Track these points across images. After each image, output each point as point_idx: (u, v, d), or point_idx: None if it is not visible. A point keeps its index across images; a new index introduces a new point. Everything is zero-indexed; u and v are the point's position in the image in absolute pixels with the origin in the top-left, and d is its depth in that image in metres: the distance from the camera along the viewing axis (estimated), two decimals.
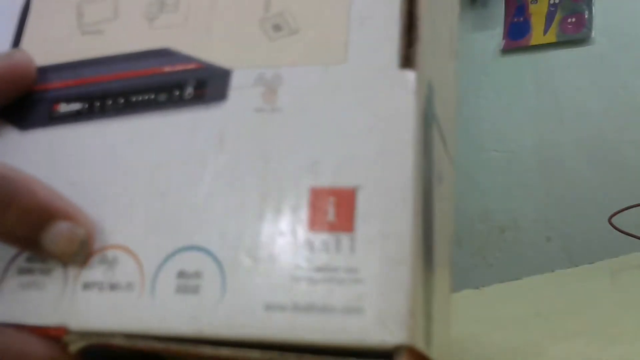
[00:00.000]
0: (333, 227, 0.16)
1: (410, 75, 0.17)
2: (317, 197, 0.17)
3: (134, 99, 0.19)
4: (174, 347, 0.16)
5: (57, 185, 0.18)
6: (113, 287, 0.17)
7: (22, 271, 0.18)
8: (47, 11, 0.21)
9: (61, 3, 0.21)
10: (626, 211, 0.57)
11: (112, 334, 0.16)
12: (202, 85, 0.19)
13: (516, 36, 1.71)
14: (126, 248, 0.17)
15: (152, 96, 0.19)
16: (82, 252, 0.18)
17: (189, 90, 0.19)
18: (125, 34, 0.20)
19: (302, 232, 0.16)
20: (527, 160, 1.72)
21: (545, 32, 1.65)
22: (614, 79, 1.55)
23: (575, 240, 1.64)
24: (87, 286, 0.17)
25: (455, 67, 0.20)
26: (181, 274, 0.17)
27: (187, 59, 0.19)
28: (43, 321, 0.17)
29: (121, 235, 0.18)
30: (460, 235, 1.87)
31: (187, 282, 0.16)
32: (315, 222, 0.16)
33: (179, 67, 0.19)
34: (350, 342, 0.15)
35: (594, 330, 0.30)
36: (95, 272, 0.17)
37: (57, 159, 0.19)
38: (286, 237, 0.16)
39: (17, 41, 0.21)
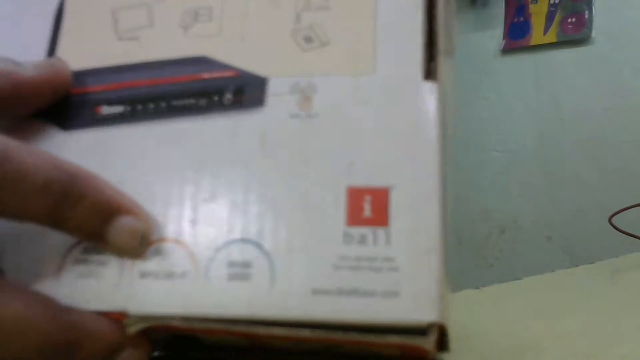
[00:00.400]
0: (370, 222, 0.18)
1: (433, 87, 0.19)
2: (354, 195, 0.19)
3: (175, 103, 0.20)
4: (231, 327, 0.18)
5: (107, 180, 0.19)
6: (168, 275, 0.19)
7: (79, 262, 0.19)
8: (81, 16, 0.22)
9: (96, 8, 0.22)
10: (626, 211, 0.57)
11: (171, 317, 0.18)
12: (240, 91, 0.20)
13: (516, 36, 1.71)
14: (178, 241, 0.19)
15: (193, 101, 0.20)
16: (142, 245, 0.19)
17: (228, 96, 0.20)
18: (161, 41, 0.21)
19: (341, 226, 0.18)
20: (528, 160, 1.72)
21: (545, 32, 1.65)
22: (614, 78, 1.55)
23: (575, 240, 1.64)
24: (143, 275, 0.19)
25: (452, 63, 0.21)
26: (232, 264, 0.18)
27: (224, 66, 0.21)
28: (103, 306, 0.18)
29: (172, 229, 0.19)
30: (460, 235, 1.87)
31: (238, 271, 0.18)
32: (354, 218, 0.19)
33: (217, 74, 0.20)
34: (390, 321, 0.17)
35: (594, 330, 0.30)
36: (150, 263, 0.19)
37: (104, 158, 0.20)
38: (328, 230, 0.18)
39: (53, 45, 0.22)
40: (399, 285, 0.18)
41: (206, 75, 0.21)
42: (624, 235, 0.54)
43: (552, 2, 1.64)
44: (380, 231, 0.18)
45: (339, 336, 0.17)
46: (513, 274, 0.42)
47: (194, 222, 0.19)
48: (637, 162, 1.53)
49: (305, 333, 0.17)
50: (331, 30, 0.21)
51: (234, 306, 0.18)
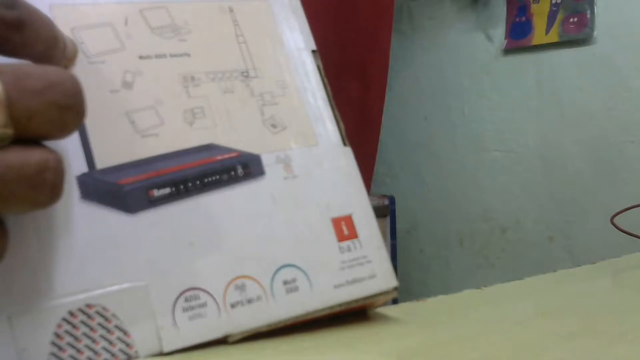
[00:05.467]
0: (349, 237, 0.29)
1: (348, 149, 0.31)
2: (336, 222, 0.29)
3: (206, 180, 0.27)
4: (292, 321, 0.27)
5: (181, 246, 0.26)
6: (250, 301, 0.26)
7: (186, 309, 0.25)
8: (100, 121, 0.26)
9: (109, 114, 0.27)
10: (628, 211, 0.57)
11: (260, 328, 0.26)
12: (247, 166, 0.28)
13: (518, 36, 1.71)
14: (247, 276, 0.27)
15: (218, 177, 0.27)
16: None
17: (240, 171, 0.28)
18: (175, 135, 0.27)
19: (336, 243, 0.29)
20: (529, 160, 1.72)
21: (547, 31, 1.65)
22: (616, 78, 1.55)
23: (577, 240, 1.64)
24: (233, 305, 0.26)
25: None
26: (285, 282, 0.27)
27: (228, 149, 0.28)
28: (213, 335, 0.25)
29: (241, 268, 0.26)
30: (462, 235, 1.88)
31: (290, 286, 0.27)
32: (340, 236, 0.29)
33: (226, 156, 0.28)
34: (376, 291, 0.29)
35: (596, 330, 0.29)
36: (235, 296, 0.26)
37: (172, 228, 0.26)
38: (330, 248, 0.29)
39: (87, 147, 0.26)
40: (374, 271, 0.29)
41: (219, 157, 0.28)
42: (625, 235, 0.54)
43: (553, 1, 1.64)
44: (356, 241, 0.29)
45: (344, 306, 0.28)
46: (515, 274, 0.42)
47: (253, 259, 0.27)
48: (639, 162, 1.53)
49: (336, 307, 0.28)
50: (284, 119, 0.30)
51: (294, 309, 0.27)
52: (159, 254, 0.25)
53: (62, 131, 0.21)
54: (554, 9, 1.64)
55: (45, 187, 0.20)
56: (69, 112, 0.21)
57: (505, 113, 1.76)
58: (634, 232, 0.54)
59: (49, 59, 0.23)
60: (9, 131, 0.19)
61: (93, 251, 0.24)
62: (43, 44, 0.22)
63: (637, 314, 0.33)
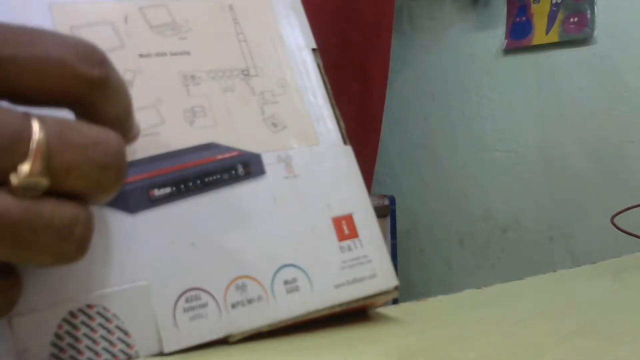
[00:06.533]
0: (349, 237, 0.29)
1: (348, 148, 0.31)
2: (337, 222, 0.29)
3: (206, 179, 0.27)
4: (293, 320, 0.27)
5: (181, 245, 0.25)
6: (250, 301, 0.26)
7: (186, 310, 0.25)
8: None
9: None
10: (629, 211, 0.57)
11: (260, 328, 0.26)
12: (247, 165, 0.28)
13: (518, 36, 1.71)
14: (248, 276, 0.26)
15: (219, 176, 0.27)
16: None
17: (241, 170, 0.28)
18: (176, 134, 0.27)
19: (337, 243, 0.29)
20: (530, 160, 1.72)
21: (547, 31, 1.65)
22: (616, 78, 1.55)
23: (577, 240, 1.64)
24: (234, 306, 0.26)
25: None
26: (286, 282, 0.27)
27: (229, 148, 0.28)
28: (214, 335, 0.25)
29: (241, 268, 0.26)
30: (462, 235, 1.87)
31: (291, 286, 0.27)
32: (341, 236, 0.29)
33: (227, 155, 0.27)
34: (376, 290, 0.29)
35: (596, 330, 0.29)
36: (235, 296, 0.26)
37: (173, 228, 0.25)
38: (330, 247, 0.28)
39: None
40: (375, 270, 0.29)
41: (219, 157, 0.27)
42: (626, 235, 0.54)
43: (554, 1, 1.64)
44: (357, 241, 0.29)
45: (353, 304, 0.28)
46: (515, 274, 0.42)
47: (254, 259, 0.27)
48: (639, 161, 1.53)
49: (336, 307, 0.28)
50: (285, 118, 0.30)
51: (295, 309, 0.27)
52: (160, 254, 0.25)
53: (99, 191, 0.20)
54: (554, 9, 1.64)
55: (72, 241, 0.20)
56: (108, 172, 0.20)
57: (506, 113, 1.75)
58: (634, 232, 0.54)
59: (118, 128, 0.22)
60: (45, 181, 0.19)
61: (93, 251, 0.24)
62: (117, 112, 0.22)
63: (637, 314, 0.33)
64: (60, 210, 0.19)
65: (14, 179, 0.18)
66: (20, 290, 0.21)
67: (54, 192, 0.19)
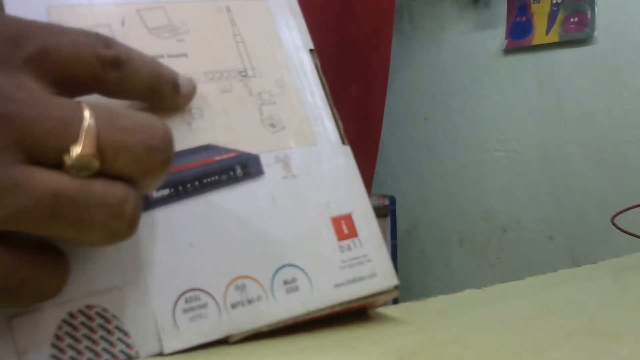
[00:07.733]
0: (349, 236, 0.29)
1: (347, 148, 0.31)
2: (336, 222, 0.29)
3: (205, 180, 0.27)
4: (293, 320, 0.27)
5: (181, 246, 0.25)
6: (250, 301, 0.26)
7: (186, 310, 0.25)
8: None
9: None
10: (629, 211, 0.57)
11: (260, 328, 0.26)
12: (245, 166, 0.28)
13: (518, 36, 1.71)
14: (247, 276, 0.26)
15: (217, 177, 0.27)
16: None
17: (239, 171, 0.28)
18: (174, 136, 0.26)
19: (336, 242, 0.29)
20: (530, 160, 1.72)
21: (547, 31, 1.65)
22: (617, 78, 1.55)
23: (577, 240, 1.64)
24: (234, 306, 0.26)
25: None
26: (285, 282, 0.27)
27: (226, 150, 0.28)
28: (215, 335, 0.25)
29: (241, 268, 0.26)
30: (462, 235, 1.87)
31: (290, 286, 0.27)
32: (340, 235, 0.29)
33: (225, 156, 0.28)
34: (376, 290, 0.29)
35: (596, 330, 0.29)
36: (235, 296, 0.26)
37: (173, 229, 0.26)
38: (330, 247, 0.28)
39: None
40: (374, 269, 0.29)
41: (217, 158, 0.27)
42: (626, 235, 0.54)
43: (554, 1, 1.64)
44: (356, 240, 0.29)
45: (354, 302, 0.28)
46: (515, 274, 0.42)
47: (253, 259, 0.27)
48: (639, 161, 1.53)
49: (337, 307, 0.28)
50: (283, 118, 0.30)
51: (295, 309, 0.27)
52: (159, 255, 0.25)
53: (147, 173, 0.21)
54: (555, 8, 1.64)
55: (123, 219, 0.21)
56: (156, 153, 0.21)
57: (506, 113, 1.75)
58: (634, 232, 0.54)
59: (155, 97, 0.24)
60: (95, 162, 0.20)
61: (93, 252, 0.24)
62: (144, 82, 0.23)
63: (637, 314, 0.33)
64: (112, 189, 0.20)
65: (67, 159, 0.20)
66: (69, 272, 0.22)
67: (105, 174, 0.20)
